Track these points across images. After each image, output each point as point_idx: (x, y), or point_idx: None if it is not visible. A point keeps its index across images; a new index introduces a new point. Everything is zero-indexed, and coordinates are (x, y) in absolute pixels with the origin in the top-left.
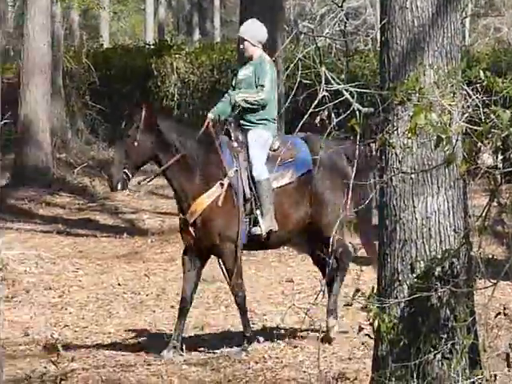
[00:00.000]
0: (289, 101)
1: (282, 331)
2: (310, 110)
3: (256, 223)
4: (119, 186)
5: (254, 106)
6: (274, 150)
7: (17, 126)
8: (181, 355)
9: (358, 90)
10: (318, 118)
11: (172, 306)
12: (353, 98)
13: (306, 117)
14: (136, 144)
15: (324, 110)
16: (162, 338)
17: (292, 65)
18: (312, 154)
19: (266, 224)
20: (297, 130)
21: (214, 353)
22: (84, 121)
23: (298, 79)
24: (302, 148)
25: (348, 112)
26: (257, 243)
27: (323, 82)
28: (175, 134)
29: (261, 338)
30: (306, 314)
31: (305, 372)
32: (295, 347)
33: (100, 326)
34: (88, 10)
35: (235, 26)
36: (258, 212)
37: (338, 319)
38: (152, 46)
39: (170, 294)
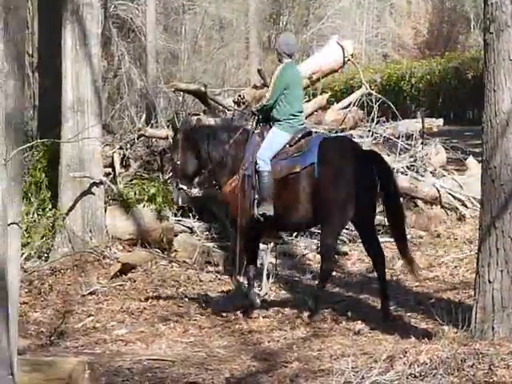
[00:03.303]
0: None
1: None
2: None
3: (257, 207)
4: (180, 201)
5: (264, 111)
6: (291, 145)
7: None
8: None
9: None
10: None
11: None
12: None
13: None
14: (178, 163)
15: None
16: None
17: None
18: (325, 152)
19: (264, 208)
20: None
21: None
22: None
23: None
24: (313, 144)
25: None
26: (264, 224)
27: None
28: (207, 144)
29: None
30: None
31: None
32: None
33: None
34: None
35: None
36: (257, 197)
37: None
38: None
39: None
